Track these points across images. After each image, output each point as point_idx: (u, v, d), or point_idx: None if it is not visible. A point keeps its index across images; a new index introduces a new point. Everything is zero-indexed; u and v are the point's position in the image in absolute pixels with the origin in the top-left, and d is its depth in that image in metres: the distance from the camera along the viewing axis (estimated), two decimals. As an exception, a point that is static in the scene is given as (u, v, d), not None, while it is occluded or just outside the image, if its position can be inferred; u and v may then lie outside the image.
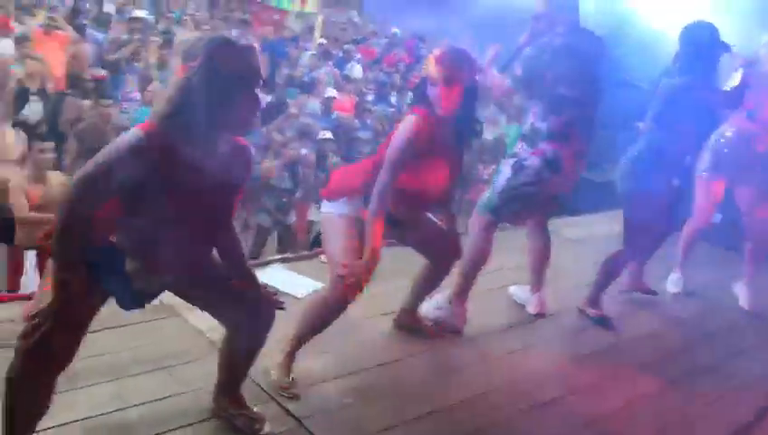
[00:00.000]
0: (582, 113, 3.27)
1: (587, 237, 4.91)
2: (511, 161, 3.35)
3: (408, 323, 3.30)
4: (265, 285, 2.32)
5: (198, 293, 2.25)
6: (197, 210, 1.93)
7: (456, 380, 3.03)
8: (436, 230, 3.03)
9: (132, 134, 1.84)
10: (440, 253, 3.06)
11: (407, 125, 2.66)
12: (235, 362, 2.40)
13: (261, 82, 1.91)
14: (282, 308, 2.29)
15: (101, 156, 1.84)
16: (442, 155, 2.72)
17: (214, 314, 2.33)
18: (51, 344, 1.88)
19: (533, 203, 3.37)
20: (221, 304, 2.26)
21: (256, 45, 1.96)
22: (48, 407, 2.00)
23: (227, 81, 1.84)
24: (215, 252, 2.23)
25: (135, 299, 2.12)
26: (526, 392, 2.97)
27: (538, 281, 3.67)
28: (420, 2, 12.35)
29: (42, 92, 6.43)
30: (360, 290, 2.64)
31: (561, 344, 3.46)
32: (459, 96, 2.63)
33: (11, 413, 1.96)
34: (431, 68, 2.63)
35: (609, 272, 3.75)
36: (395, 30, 13.34)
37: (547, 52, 3.22)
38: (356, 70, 9.98)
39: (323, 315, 2.71)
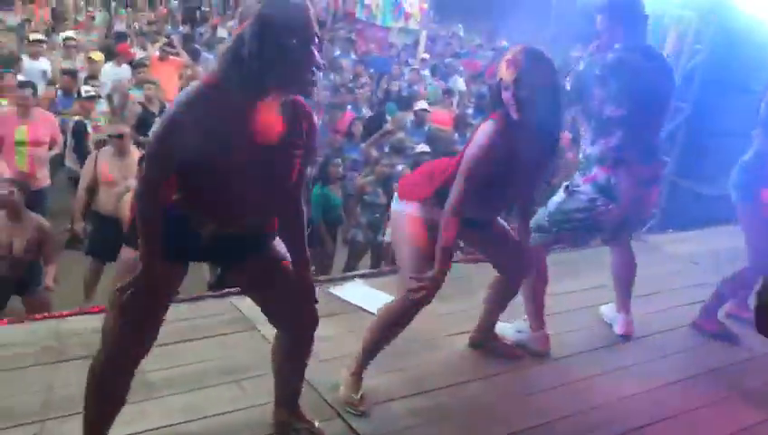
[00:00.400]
0: (638, 135, 3.04)
1: (692, 254, 4.59)
2: (565, 184, 3.22)
3: (485, 342, 3.20)
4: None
5: (252, 274, 2.21)
6: (252, 166, 1.92)
7: (534, 403, 2.91)
8: (511, 241, 2.92)
9: (191, 86, 1.93)
10: (511, 262, 2.94)
11: (483, 131, 2.60)
12: (283, 363, 2.38)
13: (315, 39, 1.89)
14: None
15: (165, 113, 1.92)
16: (520, 160, 2.61)
17: (257, 301, 2.31)
18: (136, 309, 1.95)
19: (588, 229, 3.20)
20: (267, 290, 2.24)
21: (309, 4, 1.93)
22: (124, 399, 2.09)
23: (278, 36, 1.83)
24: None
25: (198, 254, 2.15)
26: (609, 419, 2.82)
27: (623, 300, 3.46)
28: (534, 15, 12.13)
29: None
30: (428, 302, 2.57)
31: (651, 368, 3.24)
32: (533, 100, 2.51)
33: (91, 403, 2.07)
34: (503, 71, 2.55)
35: (725, 291, 3.53)
36: (503, 43, 13.19)
37: (597, 66, 3.03)
38: (459, 83, 9.94)
39: (389, 325, 2.66)
